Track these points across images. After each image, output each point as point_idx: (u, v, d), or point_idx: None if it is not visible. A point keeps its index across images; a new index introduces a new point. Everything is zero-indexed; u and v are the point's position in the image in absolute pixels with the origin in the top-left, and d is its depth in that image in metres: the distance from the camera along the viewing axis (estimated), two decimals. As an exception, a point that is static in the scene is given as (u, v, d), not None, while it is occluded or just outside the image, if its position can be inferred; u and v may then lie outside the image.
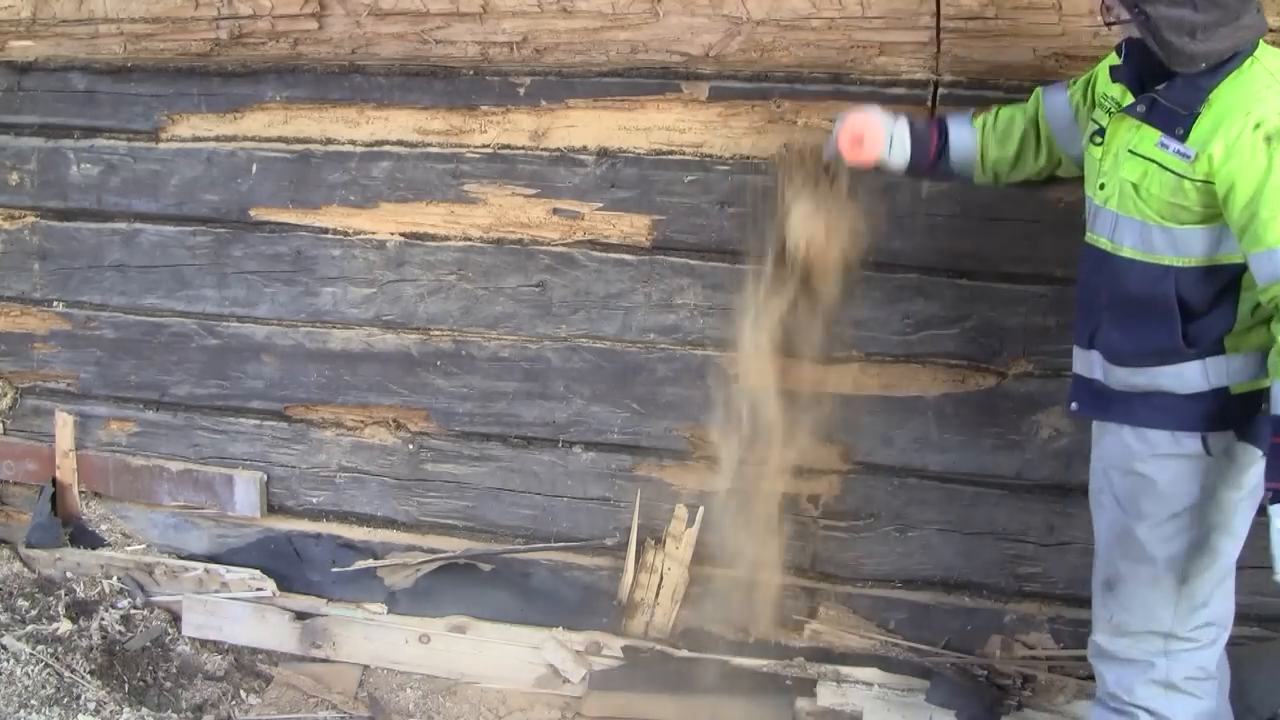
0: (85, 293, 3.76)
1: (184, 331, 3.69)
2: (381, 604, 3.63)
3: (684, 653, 3.38)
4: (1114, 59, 2.50)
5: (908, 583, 3.29)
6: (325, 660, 3.65)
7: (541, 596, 3.52)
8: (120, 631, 3.69)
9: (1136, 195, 2.39)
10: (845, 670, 3.30)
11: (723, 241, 3.19)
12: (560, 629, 3.49)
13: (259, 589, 3.70)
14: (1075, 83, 2.66)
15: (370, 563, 3.64)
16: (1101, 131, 2.50)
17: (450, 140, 3.34)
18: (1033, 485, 3.14)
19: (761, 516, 3.24)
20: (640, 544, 3.42)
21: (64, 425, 3.85)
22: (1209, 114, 2.30)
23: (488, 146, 3.31)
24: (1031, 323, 3.04)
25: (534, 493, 3.50)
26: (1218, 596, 2.52)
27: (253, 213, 3.54)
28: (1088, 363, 2.59)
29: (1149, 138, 2.37)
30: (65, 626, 3.63)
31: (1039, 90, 2.72)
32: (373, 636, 3.62)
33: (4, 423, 3.93)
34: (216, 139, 3.53)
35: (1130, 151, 2.40)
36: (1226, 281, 2.37)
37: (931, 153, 2.75)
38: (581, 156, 3.25)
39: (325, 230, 3.49)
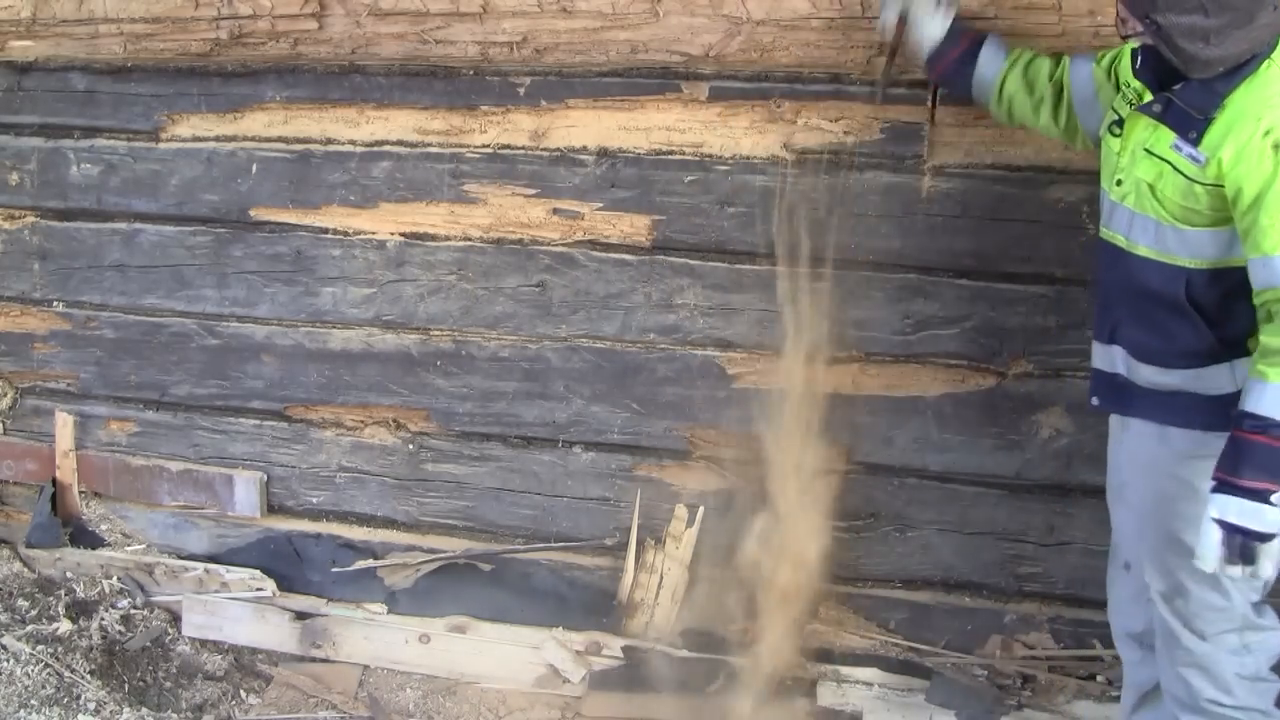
0: (85, 293, 3.76)
1: (184, 331, 3.69)
2: (381, 604, 3.63)
3: (684, 653, 3.39)
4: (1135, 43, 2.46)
5: (908, 583, 3.29)
6: (325, 660, 3.65)
7: (541, 596, 3.52)
8: (120, 631, 3.69)
9: (1152, 195, 2.38)
10: (845, 670, 3.30)
11: (723, 241, 3.19)
12: (560, 629, 3.49)
13: (259, 589, 3.70)
14: (1101, 59, 2.60)
15: (370, 563, 3.63)
16: (1120, 123, 2.46)
17: (450, 140, 3.34)
18: (1033, 485, 3.14)
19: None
20: (640, 544, 3.42)
21: (64, 425, 3.85)
22: (1222, 119, 2.28)
23: (488, 146, 3.31)
24: (1031, 323, 3.04)
25: (534, 493, 3.50)
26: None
27: (253, 213, 3.54)
28: (1109, 358, 2.56)
29: (1164, 138, 2.36)
30: (65, 626, 3.63)
31: (1066, 58, 2.66)
32: (373, 636, 3.61)
33: (4, 423, 3.93)
34: (216, 139, 3.53)
35: (1146, 150, 2.39)
36: (1239, 284, 2.34)
37: (958, 50, 2.69)
38: (581, 156, 3.25)
39: (325, 230, 3.49)
